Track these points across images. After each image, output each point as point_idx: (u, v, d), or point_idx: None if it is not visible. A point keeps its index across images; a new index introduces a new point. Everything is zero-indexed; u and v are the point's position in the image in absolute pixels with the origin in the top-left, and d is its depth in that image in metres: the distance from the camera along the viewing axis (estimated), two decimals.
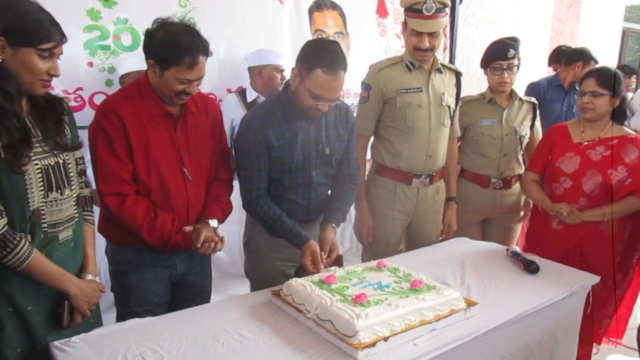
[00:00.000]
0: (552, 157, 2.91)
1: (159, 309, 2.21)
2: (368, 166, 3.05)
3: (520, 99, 3.21)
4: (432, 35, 2.70)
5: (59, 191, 1.77)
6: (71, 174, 1.83)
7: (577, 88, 4.23)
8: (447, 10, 2.78)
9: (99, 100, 3.09)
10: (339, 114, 2.45)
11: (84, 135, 1.99)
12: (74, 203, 1.86)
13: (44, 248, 1.75)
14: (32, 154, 1.68)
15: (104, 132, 2.02)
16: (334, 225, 2.44)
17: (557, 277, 2.38)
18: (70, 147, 1.84)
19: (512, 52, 2.99)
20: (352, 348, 1.65)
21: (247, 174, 2.33)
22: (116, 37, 3.22)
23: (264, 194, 2.36)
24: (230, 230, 2.80)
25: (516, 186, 3.27)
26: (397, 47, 4.62)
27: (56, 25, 1.68)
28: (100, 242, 2.15)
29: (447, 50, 5.01)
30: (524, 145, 3.22)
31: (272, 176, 2.37)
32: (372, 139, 3.00)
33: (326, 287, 1.95)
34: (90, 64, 3.17)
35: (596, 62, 4.25)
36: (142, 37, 2.15)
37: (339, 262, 2.41)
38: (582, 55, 4.20)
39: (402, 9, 2.80)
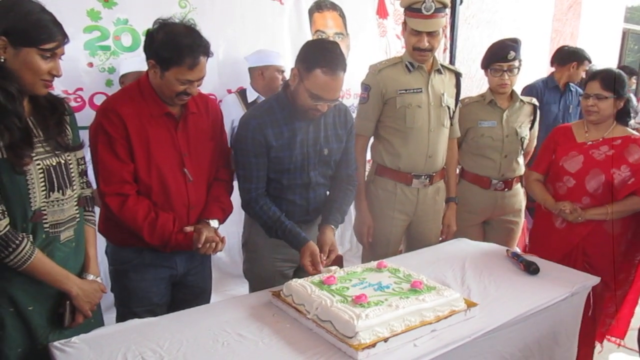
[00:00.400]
0: (555, 156, 2.92)
1: (159, 309, 2.22)
2: (368, 167, 3.05)
3: (522, 100, 3.21)
4: (431, 35, 2.70)
5: (60, 191, 1.77)
6: (72, 174, 1.84)
7: (571, 89, 4.24)
8: (447, 10, 2.79)
9: (99, 100, 3.09)
10: (338, 114, 2.46)
11: (84, 136, 2.00)
12: (76, 203, 1.87)
13: (45, 248, 1.75)
14: (33, 154, 1.68)
15: (105, 132, 2.02)
16: (332, 226, 2.44)
17: (557, 278, 2.38)
18: (71, 148, 1.84)
19: (512, 54, 2.99)
20: (352, 349, 1.65)
21: (245, 174, 2.33)
22: (116, 38, 3.23)
23: (263, 194, 2.36)
24: (230, 230, 2.80)
25: (517, 187, 3.27)
26: (397, 47, 4.62)
27: (58, 25, 1.68)
28: (100, 242, 2.15)
29: (448, 51, 5.01)
30: (524, 146, 3.23)
31: (271, 176, 2.37)
32: (372, 139, 3.00)
33: (326, 288, 1.95)
34: (91, 65, 3.17)
35: (590, 62, 4.25)
36: (142, 38, 2.16)
37: (339, 262, 2.41)
38: (576, 56, 4.20)
39: (402, 10, 2.81)
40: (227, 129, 3.08)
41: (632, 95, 2.90)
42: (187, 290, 2.36)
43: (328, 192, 2.57)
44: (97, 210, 2.10)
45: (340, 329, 1.71)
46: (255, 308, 2.01)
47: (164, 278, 2.26)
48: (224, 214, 2.30)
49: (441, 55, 4.87)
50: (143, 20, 3.14)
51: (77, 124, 1.94)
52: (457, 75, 3.01)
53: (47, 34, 1.64)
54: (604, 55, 7.06)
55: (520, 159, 3.26)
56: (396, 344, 1.72)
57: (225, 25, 3.65)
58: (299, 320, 1.89)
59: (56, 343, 1.70)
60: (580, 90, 4.17)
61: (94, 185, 2.07)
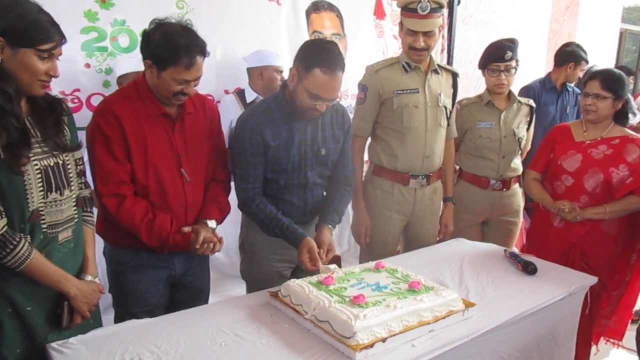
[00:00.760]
0: (554, 155, 2.93)
1: (157, 310, 2.21)
2: (366, 167, 3.06)
3: (519, 101, 3.22)
4: (427, 34, 2.70)
5: (58, 192, 1.77)
6: (70, 175, 1.83)
7: (568, 89, 4.24)
8: (443, 11, 2.79)
9: (96, 101, 3.09)
10: (336, 115, 2.46)
11: (81, 136, 1.99)
12: (74, 204, 1.87)
13: (43, 249, 1.75)
14: (31, 155, 1.68)
15: (102, 133, 2.02)
16: (330, 226, 2.44)
17: (555, 277, 2.39)
18: (69, 148, 1.84)
19: (509, 54, 3.00)
20: (350, 349, 1.65)
21: (242, 173, 2.33)
22: (113, 39, 3.22)
23: (259, 194, 2.37)
24: (228, 231, 2.79)
25: (515, 187, 3.28)
26: (394, 48, 4.62)
27: (56, 26, 1.68)
28: (98, 243, 2.14)
29: (445, 52, 5.02)
30: (522, 146, 3.23)
31: (268, 176, 2.37)
32: (369, 140, 3.00)
33: (324, 288, 1.95)
34: (88, 65, 3.17)
35: (587, 63, 4.25)
36: (140, 39, 2.15)
37: (337, 263, 2.40)
38: (573, 56, 4.20)
39: (399, 10, 2.81)
40: (226, 129, 3.08)
41: (630, 97, 2.91)
42: (185, 290, 2.35)
43: (325, 193, 2.57)
44: (95, 210, 2.10)
45: (338, 330, 1.71)
46: (253, 308, 2.01)
47: (161, 279, 2.26)
48: (221, 214, 2.30)
49: (439, 56, 4.88)
50: (140, 21, 3.13)
51: (75, 125, 1.93)
52: (454, 76, 3.01)
53: (44, 34, 1.64)
54: (601, 56, 7.06)
55: (518, 160, 3.26)
56: (394, 344, 1.72)
57: (223, 26, 3.65)
58: (297, 321, 1.89)
59: (53, 344, 1.70)
60: (577, 91, 4.17)
61: (92, 186, 2.07)
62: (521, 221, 3.43)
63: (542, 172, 3.03)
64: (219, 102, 3.59)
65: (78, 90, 3.15)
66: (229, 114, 3.37)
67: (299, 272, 2.44)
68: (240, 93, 3.62)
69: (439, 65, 2.92)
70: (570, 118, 4.11)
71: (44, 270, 1.73)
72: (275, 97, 2.36)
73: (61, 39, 1.70)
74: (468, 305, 1.98)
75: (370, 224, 2.92)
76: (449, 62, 5.00)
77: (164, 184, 2.12)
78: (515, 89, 3.27)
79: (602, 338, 3.11)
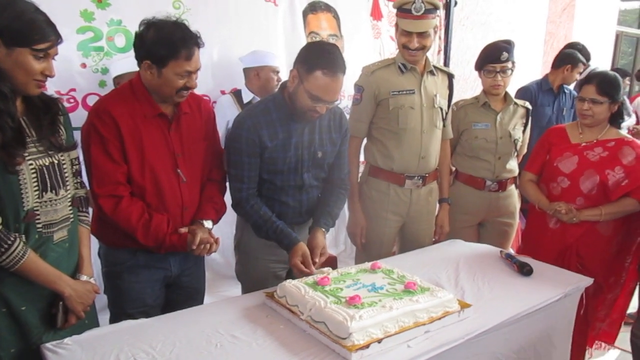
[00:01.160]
0: (550, 157, 2.93)
1: (153, 310, 2.20)
2: (361, 168, 3.06)
3: (516, 103, 3.22)
4: (422, 35, 2.71)
5: (53, 191, 1.77)
6: (66, 175, 1.83)
7: (565, 91, 4.25)
8: (438, 12, 2.79)
9: (92, 101, 3.08)
10: (333, 118, 2.46)
11: (77, 137, 1.98)
12: (69, 203, 1.86)
13: (38, 248, 1.74)
14: (26, 154, 1.68)
15: (97, 133, 2.01)
16: (323, 229, 2.44)
17: (550, 279, 2.39)
18: (65, 148, 1.83)
19: (505, 55, 3.01)
20: (346, 350, 1.65)
21: (237, 173, 2.33)
22: (110, 39, 3.22)
23: (254, 194, 2.36)
24: (224, 231, 2.79)
25: (511, 189, 3.28)
26: (391, 49, 4.62)
27: (51, 25, 1.68)
28: (93, 243, 2.13)
29: (442, 53, 5.02)
30: (518, 148, 3.24)
31: (264, 177, 2.37)
32: (365, 140, 3.00)
33: (320, 289, 1.95)
34: (84, 65, 3.17)
35: (584, 65, 4.26)
36: None
37: (333, 264, 2.40)
38: (570, 59, 4.21)
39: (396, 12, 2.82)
40: (222, 129, 3.08)
41: (625, 98, 2.91)
42: (181, 291, 2.35)
43: (320, 195, 2.57)
44: (90, 211, 2.09)
45: (334, 330, 1.71)
46: (248, 309, 2.01)
47: (158, 279, 2.25)
48: (217, 214, 2.29)
49: (435, 57, 4.89)
50: (136, 21, 3.04)
51: (71, 124, 1.93)
52: (450, 77, 3.02)
53: (40, 34, 1.64)
54: (597, 58, 7.06)
55: (514, 161, 3.27)
56: (390, 345, 1.72)
57: (219, 26, 3.64)
58: (293, 322, 1.88)
59: (48, 344, 1.70)
60: (574, 93, 4.18)
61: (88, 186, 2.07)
62: (517, 222, 3.43)
63: (538, 174, 3.03)
64: (215, 102, 3.59)
65: (74, 90, 3.15)
66: (226, 114, 3.37)
67: (294, 272, 2.43)
68: (236, 93, 3.62)
69: (435, 67, 2.93)
70: (567, 120, 4.11)
71: (39, 270, 1.73)
72: (274, 98, 2.36)
73: (57, 38, 1.69)
74: (464, 306, 1.98)
75: (366, 225, 2.93)
76: (446, 63, 5.01)
77: (161, 184, 2.12)
78: (512, 90, 3.27)
79: (595, 342, 3.11)
